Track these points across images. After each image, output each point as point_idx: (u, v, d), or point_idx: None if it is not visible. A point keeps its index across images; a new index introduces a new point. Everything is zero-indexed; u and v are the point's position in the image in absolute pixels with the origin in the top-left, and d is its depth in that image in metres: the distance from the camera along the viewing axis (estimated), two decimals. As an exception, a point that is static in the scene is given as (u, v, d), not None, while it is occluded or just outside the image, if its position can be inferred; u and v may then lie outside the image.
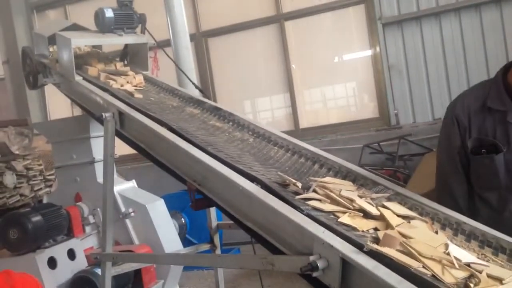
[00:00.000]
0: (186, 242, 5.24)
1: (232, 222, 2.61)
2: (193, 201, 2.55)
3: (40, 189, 5.41)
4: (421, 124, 6.41)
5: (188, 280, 5.48)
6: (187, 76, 4.37)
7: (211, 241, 3.62)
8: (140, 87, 3.72)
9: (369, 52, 6.77)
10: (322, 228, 1.74)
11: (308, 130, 7.07)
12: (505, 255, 1.86)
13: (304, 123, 7.18)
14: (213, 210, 3.61)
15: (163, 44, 4.30)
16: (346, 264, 1.61)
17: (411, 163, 6.01)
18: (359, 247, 1.62)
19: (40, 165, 5.50)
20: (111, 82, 3.59)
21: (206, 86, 7.37)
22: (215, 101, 7.16)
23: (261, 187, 2.07)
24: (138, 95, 3.40)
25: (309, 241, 1.74)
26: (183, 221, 5.97)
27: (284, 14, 7.09)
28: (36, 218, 3.71)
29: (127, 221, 4.30)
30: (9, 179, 4.97)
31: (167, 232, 4.42)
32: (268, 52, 7.27)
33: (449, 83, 6.32)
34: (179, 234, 4.98)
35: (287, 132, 2.91)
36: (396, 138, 6.05)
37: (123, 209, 4.29)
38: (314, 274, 1.66)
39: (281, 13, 7.10)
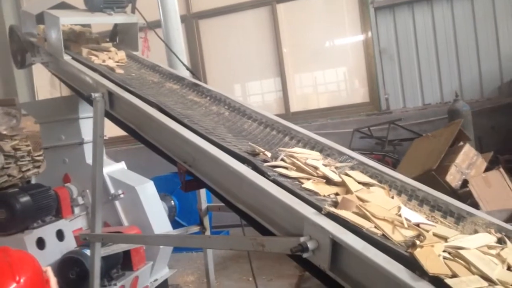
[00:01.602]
0: (175, 225, 5.25)
1: (222, 204, 2.62)
2: (183, 182, 2.54)
3: (28, 169, 5.35)
4: (411, 109, 6.44)
5: (177, 262, 5.50)
6: (178, 57, 4.31)
7: (201, 223, 3.63)
8: (121, 63, 3.74)
9: (360, 37, 6.75)
10: (312, 209, 1.75)
11: (299, 114, 7.06)
12: (453, 218, 2.00)
13: (294, 107, 7.17)
14: (203, 192, 3.61)
15: (153, 25, 4.24)
16: (336, 245, 1.62)
17: (400, 148, 6.04)
18: (318, 209, 1.74)
19: (28, 145, 5.44)
20: (93, 57, 3.62)
21: (197, 68, 7.30)
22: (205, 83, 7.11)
23: (252, 169, 2.06)
24: (119, 71, 3.44)
25: (299, 222, 1.75)
26: (173, 204, 5.97)
27: (276, -4, 7.03)
28: (25, 199, 3.68)
29: (117, 202, 4.29)
30: (-3, 160, 4.92)
31: (157, 214, 4.42)
32: (260, 35, 7.22)
33: (439, 69, 6.34)
34: (169, 216, 4.98)
35: (277, 116, 2.93)
36: (386, 123, 6.07)
37: (112, 191, 4.28)
38: (304, 255, 1.68)
39: (273, -5, 7.03)
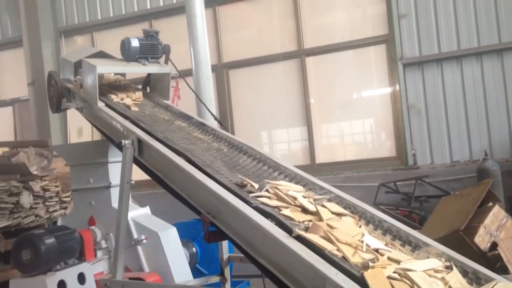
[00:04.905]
0: (196, 272, 5.19)
1: (243, 255, 2.60)
2: (206, 233, 2.56)
3: (55, 210, 5.42)
4: (439, 166, 6.36)
5: (195, 311, 5.39)
6: (207, 107, 4.42)
7: (222, 273, 3.60)
8: (138, 101, 4.00)
9: (388, 90, 6.79)
10: (335, 270, 1.73)
11: (324, 166, 7.05)
12: (410, 246, 2.30)
13: (320, 158, 7.16)
14: (225, 242, 3.60)
15: (185, 73, 4.37)
16: (358, 309, 1.60)
17: (427, 205, 5.92)
18: (290, 232, 2.01)
19: (57, 186, 5.54)
20: (112, 96, 3.90)
21: (225, 116, 7.44)
22: (232, 131, 7.21)
23: (276, 224, 2.07)
24: (134, 108, 3.74)
25: (321, 282, 1.73)
26: (194, 251, 5.90)
27: (306, 50, 7.18)
28: (50, 240, 3.71)
29: (139, 247, 4.29)
30: (26, 199, 5.01)
31: (178, 261, 4.39)
32: (288, 86, 7.34)
33: (468, 126, 6.29)
34: (190, 263, 4.93)
35: (302, 167, 3.02)
36: (413, 179, 6.00)
37: (135, 236, 4.28)
38: (325, 317, 1.65)
39: (303, 49, 7.19)
